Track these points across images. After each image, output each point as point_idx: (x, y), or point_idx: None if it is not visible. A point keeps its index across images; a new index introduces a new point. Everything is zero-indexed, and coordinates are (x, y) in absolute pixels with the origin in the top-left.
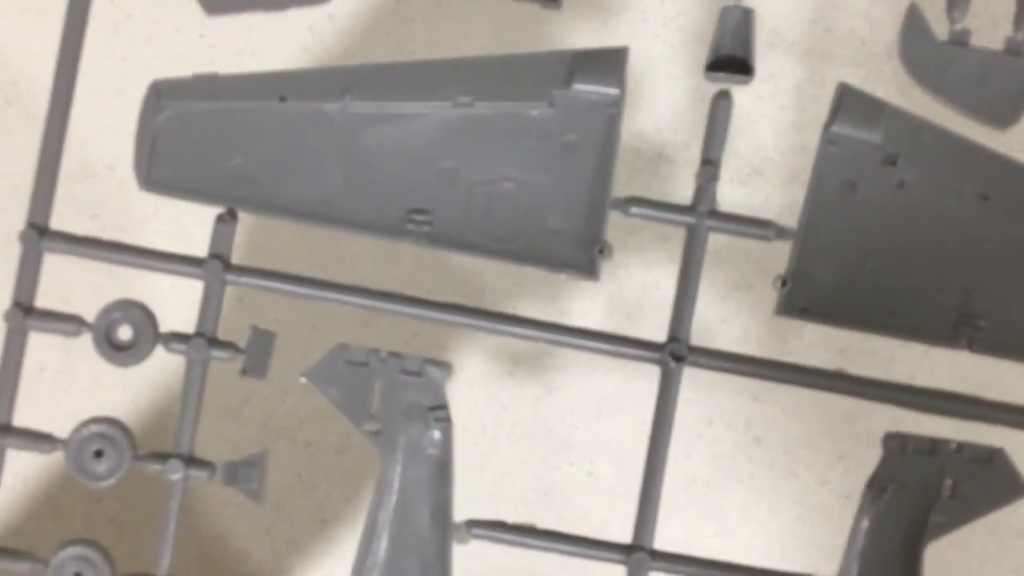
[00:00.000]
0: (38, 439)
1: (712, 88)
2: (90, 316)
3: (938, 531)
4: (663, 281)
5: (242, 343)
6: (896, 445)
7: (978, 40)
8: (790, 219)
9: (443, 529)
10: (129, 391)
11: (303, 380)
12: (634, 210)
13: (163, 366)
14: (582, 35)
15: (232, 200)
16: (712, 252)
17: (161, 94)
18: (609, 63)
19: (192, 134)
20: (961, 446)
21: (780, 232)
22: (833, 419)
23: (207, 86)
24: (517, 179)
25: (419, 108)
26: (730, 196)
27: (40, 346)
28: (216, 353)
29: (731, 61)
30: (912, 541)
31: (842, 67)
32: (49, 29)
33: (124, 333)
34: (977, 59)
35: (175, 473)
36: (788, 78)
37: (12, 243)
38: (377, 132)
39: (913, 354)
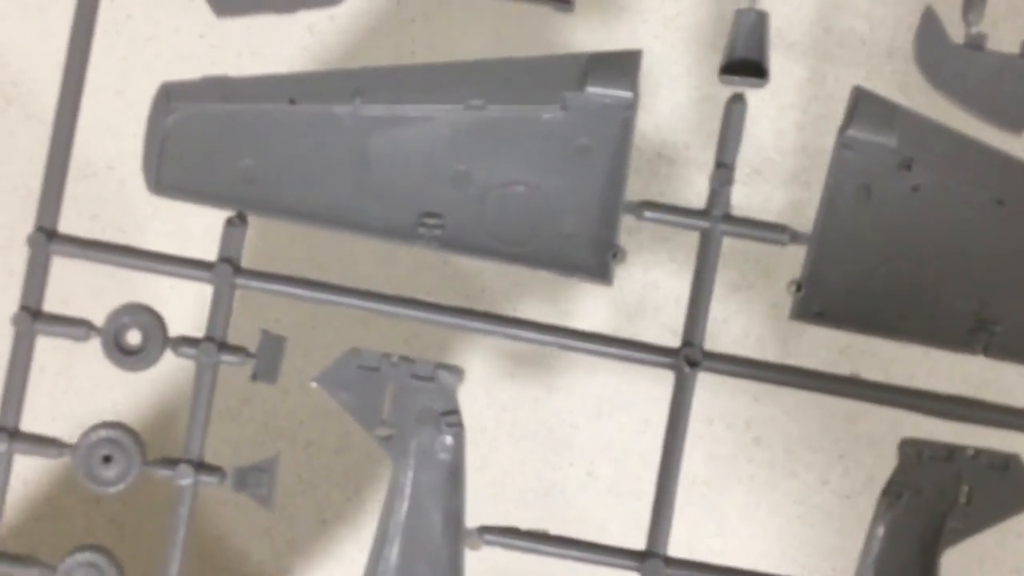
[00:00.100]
0: (45, 444)
1: (709, 88)
2: (90, 316)
3: (954, 537)
4: (663, 281)
5: (242, 342)
6: (912, 451)
7: (993, 44)
8: (790, 219)
9: (455, 535)
10: (130, 392)
11: (314, 385)
12: (647, 214)
13: (164, 367)
14: (582, 35)
15: (242, 203)
16: None
17: (171, 96)
18: (623, 66)
19: (201, 137)
20: (978, 452)
21: (795, 236)
22: (833, 419)
23: (217, 88)
24: (529, 182)
25: (430, 111)
26: (731, 199)
27: (40, 347)
28: (226, 358)
29: (745, 64)
30: (928, 548)
31: (842, 67)
32: (49, 29)
33: (133, 337)
34: (993, 63)
35: (185, 479)
36: (788, 78)
37: (12, 243)
38: (388, 135)
39: (913, 355)
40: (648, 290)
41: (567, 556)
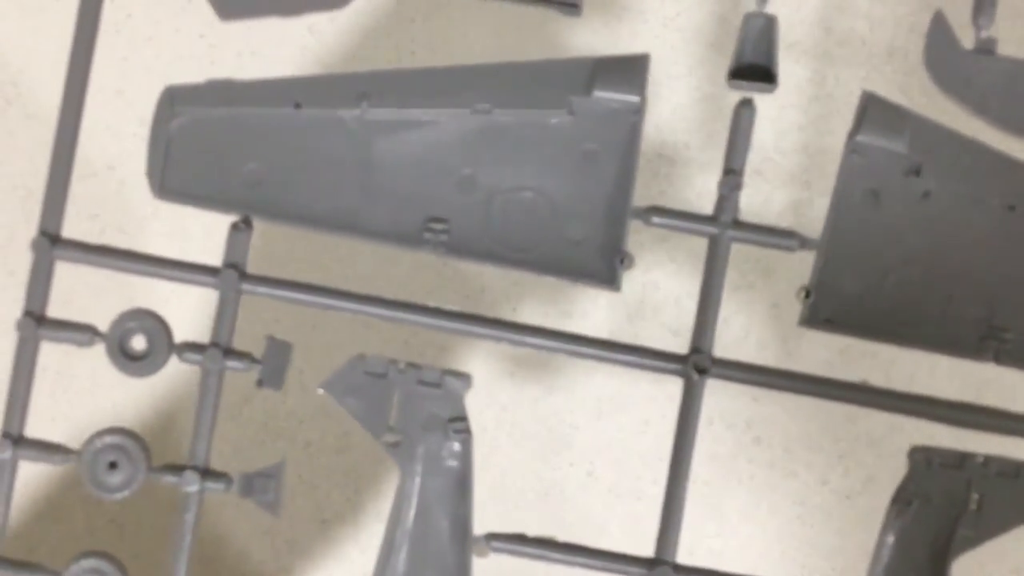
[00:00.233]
0: (50, 450)
1: (710, 88)
2: (92, 315)
3: (965, 545)
4: (663, 281)
5: (242, 341)
6: (922, 459)
7: (1003, 48)
8: (791, 219)
9: (463, 542)
10: (132, 392)
11: (320, 391)
12: (655, 220)
13: (166, 367)
14: (582, 35)
15: (246, 208)
16: None
17: (174, 100)
18: (630, 70)
19: (206, 141)
20: (988, 460)
21: (804, 242)
22: (833, 419)
23: (221, 92)
24: (536, 187)
25: (437, 115)
26: None
27: (43, 346)
28: (231, 364)
29: (754, 69)
30: (938, 556)
31: (842, 67)
32: (49, 29)
33: (138, 343)
34: (1004, 68)
35: (191, 485)
36: (788, 78)
37: (12, 243)
38: (394, 139)
39: (914, 355)
40: (648, 290)
41: (575, 563)
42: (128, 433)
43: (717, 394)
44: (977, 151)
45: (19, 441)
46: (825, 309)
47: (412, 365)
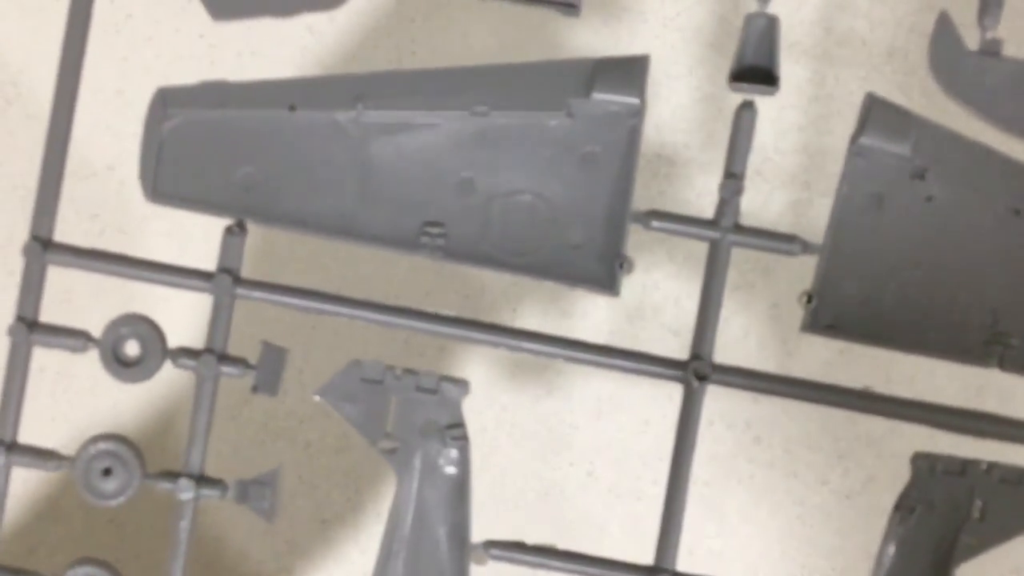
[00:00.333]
0: (44, 457)
1: (710, 88)
2: (90, 315)
3: (968, 553)
4: (663, 282)
5: (240, 341)
6: (925, 465)
7: (1009, 49)
8: (791, 219)
9: (461, 550)
10: (132, 392)
11: (317, 398)
12: (655, 224)
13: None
14: (582, 35)
15: (241, 212)
16: None
17: (167, 102)
18: (630, 72)
19: (199, 143)
20: (991, 466)
21: (806, 247)
22: (833, 419)
23: (214, 94)
24: (535, 191)
25: (434, 117)
26: None
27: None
28: (226, 369)
29: (755, 71)
30: (941, 563)
31: (842, 67)
32: (49, 29)
33: (132, 349)
34: (1009, 69)
35: (186, 493)
36: (788, 78)
37: (12, 242)
38: (390, 142)
39: (914, 356)
40: (648, 290)
41: (575, 571)
42: (122, 439)
43: (717, 394)
44: (982, 154)
45: (12, 447)
46: (827, 314)
47: (409, 371)
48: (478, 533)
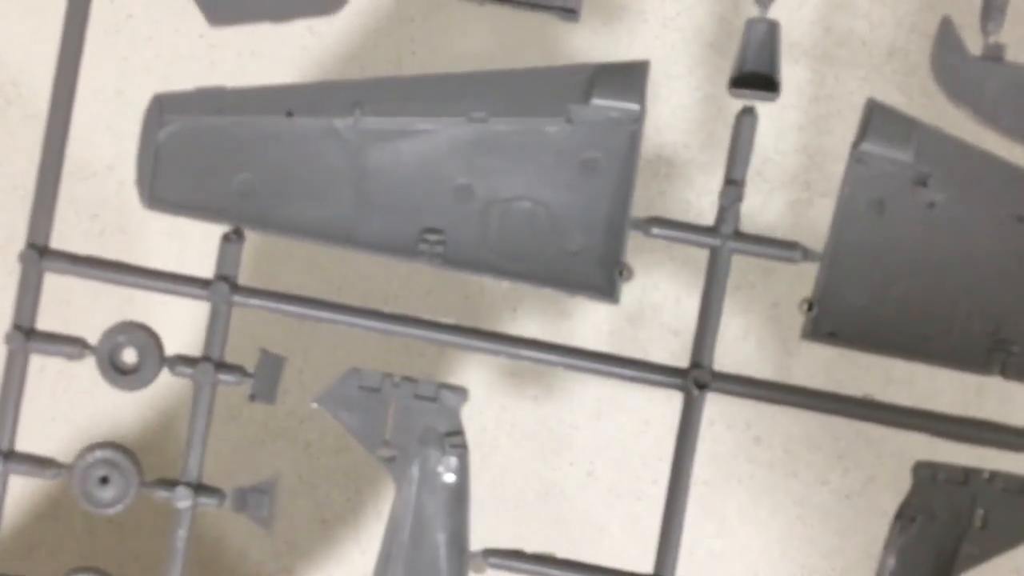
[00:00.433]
0: (42, 465)
1: (709, 88)
2: (88, 317)
3: (969, 562)
4: (662, 282)
5: (239, 342)
6: (927, 474)
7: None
8: (790, 219)
9: (459, 558)
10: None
11: (315, 406)
12: (655, 231)
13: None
14: (581, 35)
15: (238, 218)
16: None
17: (164, 108)
18: (629, 78)
19: (196, 150)
20: (993, 475)
21: (807, 254)
22: (833, 419)
23: (211, 100)
24: (534, 197)
25: (432, 123)
26: None
27: None
28: (224, 377)
29: (756, 78)
30: (942, 573)
31: (842, 67)
32: (49, 29)
33: (128, 356)
34: (1012, 75)
35: (183, 501)
36: (788, 79)
37: (12, 242)
38: (388, 148)
39: None
40: (648, 290)
41: None
42: (119, 448)
43: (717, 394)
44: (985, 161)
45: (10, 455)
46: (828, 322)
47: (407, 379)
48: (478, 533)
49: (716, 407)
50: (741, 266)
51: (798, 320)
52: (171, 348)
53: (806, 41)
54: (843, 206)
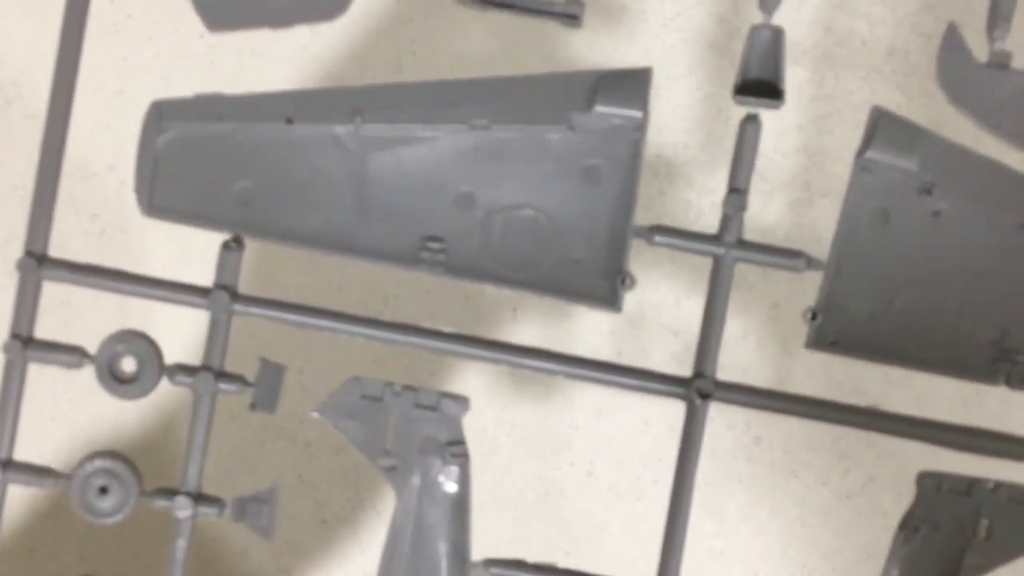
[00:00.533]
0: (41, 474)
1: (710, 88)
2: (87, 319)
3: (973, 573)
4: (662, 282)
5: (238, 343)
6: (931, 484)
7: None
8: (791, 219)
9: (460, 568)
10: None
11: (315, 415)
12: (658, 239)
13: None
14: (581, 35)
15: (238, 226)
16: None
17: (162, 115)
18: (632, 85)
19: (195, 157)
20: (998, 486)
21: (810, 263)
22: None
23: (210, 107)
24: (536, 205)
25: (433, 131)
26: None
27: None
28: (224, 386)
29: (760, 85)
30: None
31: (842, 67)
32: (49, 29)
33: (128, 365)
34: (1018, 82)
35: (183, 511)
36: (788, 79)
37: (12, 242)
38: (389, 156)
39: None
40: (648, 290)
41: None
42: (119, 457)
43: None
44: (991, 169)
45: (8, 465)
46: (832, 331)
47: (408, 388)
48: (477, 534)
49: (716, 407)
50: (741, 267)
51: (798, 320)
52: (170, 349)
53: (806, 41)
54: (847, 215)
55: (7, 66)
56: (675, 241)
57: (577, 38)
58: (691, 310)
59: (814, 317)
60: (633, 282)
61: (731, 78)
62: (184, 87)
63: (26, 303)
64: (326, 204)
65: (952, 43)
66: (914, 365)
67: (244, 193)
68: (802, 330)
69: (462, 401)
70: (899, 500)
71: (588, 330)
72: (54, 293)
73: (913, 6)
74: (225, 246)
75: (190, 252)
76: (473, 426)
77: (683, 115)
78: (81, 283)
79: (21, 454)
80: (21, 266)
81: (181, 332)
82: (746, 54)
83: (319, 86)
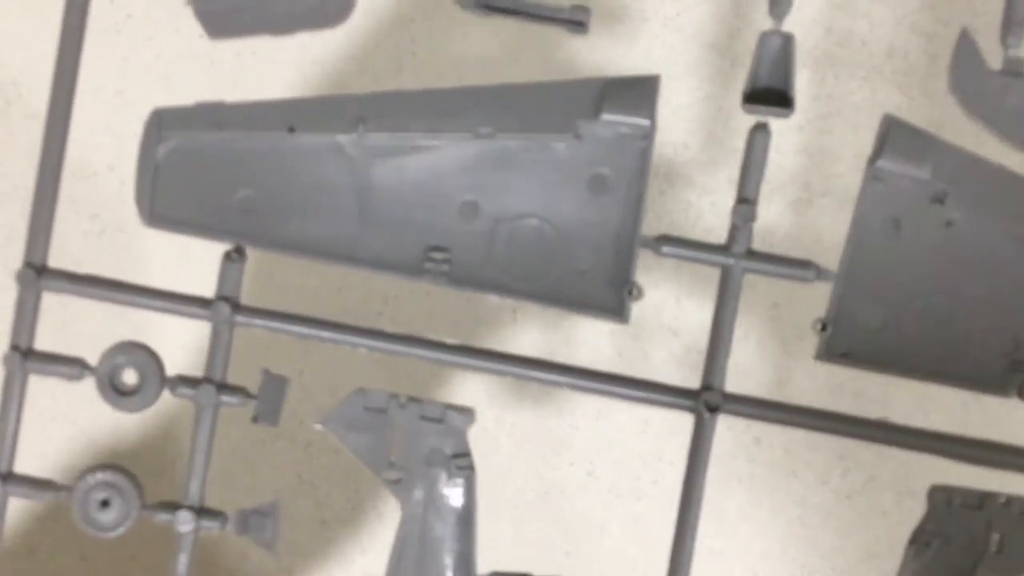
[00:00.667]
0: (41, 487)
1: (710, 88)
2: (87, 321)
3: None
4: (663, 282)
5: (238, 344)
6: (942, 498)
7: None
8: (791, 219)
9: None
10: None
11: (319, 427)
12: (666, 249)
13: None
14: (580, 35)
15: (239, 236)
16: None
17: (163, 124)
18: (639, 92)
19: (196, 166)
20: (1009, 500)
21: (820, 273)
22: None
23: (211, 115)
24: (541, 215)
25: (437, 139)
26: (730, 199)
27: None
28: (226, 399)
29: (770, 93)
30: None
31: (842, 67)
32: (49, 29)
33: (129, 377)
34: None
35: (185, 525)
36: None
37: (12, 243)
38: (393, 165)
39: None
40: (648, 292)
41: None
42: (120, 470)
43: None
44: (1003, 178)
45: (9, 477)
46: (842, 342)
47: (413, 399)
48: (478, 535)
49: None
50: None
51: (798, 321)
52: (171, 355)
53: (806, 41)
54: (858, 224)
55: (7, 66)
56: (683, 252)
57: (577, 38)
58: (692, 310)
59: (824, 328)
60: (640, 293)
61: (732, 78)
62: (184, 87)
63: (26, 314)
64: (328, 213)
65: (965, 50)
66: (925, 377)
67: (245, 202)
68: (802, 330)
69: (467, 413)
70: (899, 500)
71: (588, 330)
72: (54, 298)
73: (913, 6)
74: (227, 256)
75: (191, 252)
76: (474, 426)
77: (683, 115)
78: (81, 294)
79: (21, 461)
80: (20, 277)
81: (182, 337)
82: (756, 61)
83: (320, 90)
